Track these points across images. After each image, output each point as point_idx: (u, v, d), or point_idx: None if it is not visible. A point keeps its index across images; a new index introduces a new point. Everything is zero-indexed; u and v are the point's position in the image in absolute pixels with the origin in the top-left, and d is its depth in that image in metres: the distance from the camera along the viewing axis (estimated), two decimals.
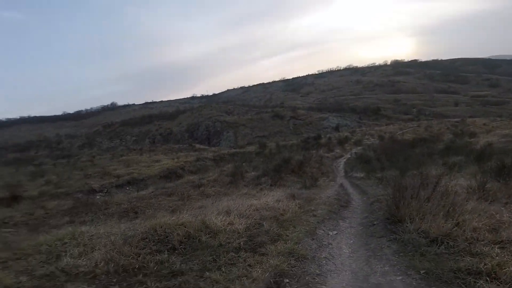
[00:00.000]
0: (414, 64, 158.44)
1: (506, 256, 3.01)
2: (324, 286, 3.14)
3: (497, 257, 3.00)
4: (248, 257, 3.63)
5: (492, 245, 3.33)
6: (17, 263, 3.38)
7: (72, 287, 2.99)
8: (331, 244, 4.35)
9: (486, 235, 3.60)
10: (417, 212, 4.34)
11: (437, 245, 3.56)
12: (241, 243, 4.03)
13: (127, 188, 13.36)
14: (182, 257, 3.66)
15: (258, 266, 3.41)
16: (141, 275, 3.24)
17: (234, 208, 5.40)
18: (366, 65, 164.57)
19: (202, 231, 4.24)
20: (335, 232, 4.95)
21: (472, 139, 22.06)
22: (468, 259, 3.11)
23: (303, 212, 5.85)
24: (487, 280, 2.72)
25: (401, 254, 3.63)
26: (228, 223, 4.58)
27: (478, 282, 2.72)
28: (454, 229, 3.76)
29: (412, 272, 3.15)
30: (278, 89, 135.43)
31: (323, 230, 4.95)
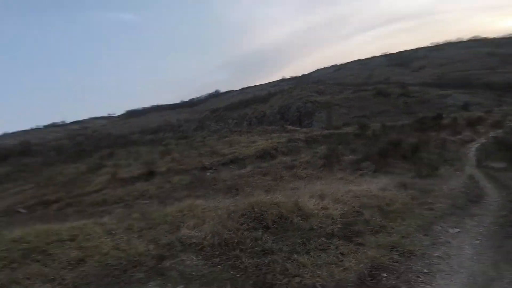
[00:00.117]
0: None
1: None
2: (429, 286, 2.78)
3: None
4: (341, 245, 3.53)
5: None
6: (149, 232, 4.19)
7: (184, 256, 3.57)
8: (449, 243, 3.76)
9: None
10: None
11: None
12: (335, 229, 3.95)
13: (230, 166, 14.76)
14: (273, 236, 3.81)
15: (351, 256, 3.29)
16: (238, 250, 3.50)
17: (329, 193, 5.30)
18: (500, 36, 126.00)
19: (294, 213, 4.34)
20: (457, 230, 4.23)
21: None
22: None
23: (416, 204, 5.22)
24: None
25: None
26: (321, 208, 4.55)
27: None
28: None
29: None
30: (380, 64, 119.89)
31: (441, 226, 4.32)
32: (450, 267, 3.13)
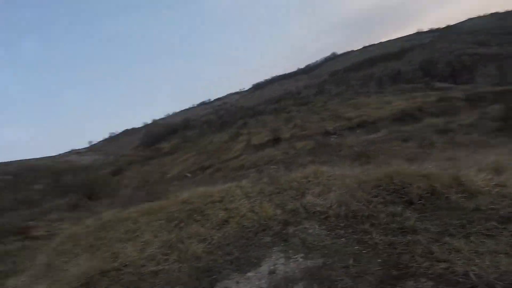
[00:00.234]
0: None
1: None
2: None
3: None
4: None
5: None
6: (277, 196, 4.43)
7: (307, 224, 3.54)
8: None
9: None
10: None
11: None
12: None
13: (357, 131, 13.68)
14: (418, 214, 3.24)
15: None
16: (368, 224, 3.21)
17: (509, 166, 3.96)
18: None
19: (452, 188, 3.49)
20: None
21: None
22: None
23: None
24: None
25: None
26: (495, 184, 3.45)
27: None
28: None
29: None
30: None
31: None
32: None
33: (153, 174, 19.31)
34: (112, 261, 3.77)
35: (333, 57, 76.90)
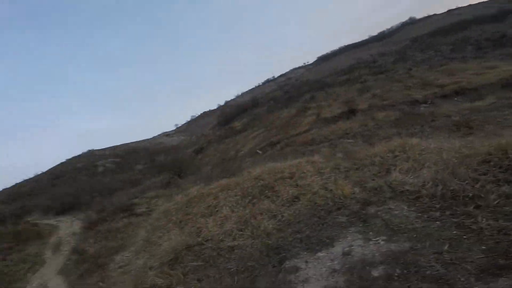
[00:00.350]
0: None
1: None
2: None
3: None
4: None
5: None
6: (355, 173, 4.00)
7: (393, 205, 3.07)
8: None
9: None
10: None
11: None
12: None
13: (455, 98, 11.55)
14: None
15: None
16: (472, 207, 2.67)
17: None
18: None
19: None
20: None
21: None
22: None
23: None
24: None
25: None
26: None
27: None
28: None
29: None
30: None
31: None
32: None
33: (228, 151, 20.54)
34: (196, 235, 4.10)
35: (412, 22, 65.79)
